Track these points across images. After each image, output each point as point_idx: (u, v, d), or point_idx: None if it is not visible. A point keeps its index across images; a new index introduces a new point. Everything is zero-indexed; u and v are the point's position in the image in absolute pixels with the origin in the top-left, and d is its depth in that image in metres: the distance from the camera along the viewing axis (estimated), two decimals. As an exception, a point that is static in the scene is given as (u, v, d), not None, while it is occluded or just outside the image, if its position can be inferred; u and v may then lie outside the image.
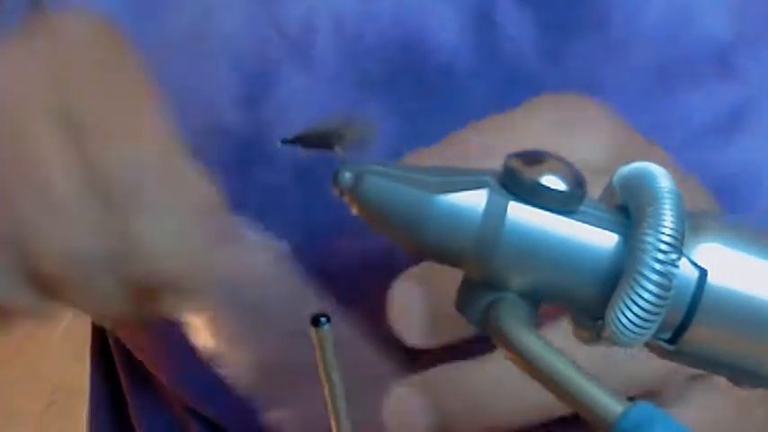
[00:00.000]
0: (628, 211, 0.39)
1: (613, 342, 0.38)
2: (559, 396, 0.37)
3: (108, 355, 0.79)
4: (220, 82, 0.61)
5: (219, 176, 0.61)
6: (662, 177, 0.39)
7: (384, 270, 0.62)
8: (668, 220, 0.37)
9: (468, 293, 0.40)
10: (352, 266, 0.63)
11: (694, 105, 0.60)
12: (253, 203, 0.62)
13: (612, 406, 0.36)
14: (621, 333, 0.38)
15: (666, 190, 0.38)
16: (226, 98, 0.61)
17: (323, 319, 0.45)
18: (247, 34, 0.60)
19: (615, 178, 0.40)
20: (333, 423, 0.47)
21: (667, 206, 0.38)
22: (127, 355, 0.74)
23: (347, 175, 0.39)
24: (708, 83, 0.60)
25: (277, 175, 0.61)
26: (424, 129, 0.60)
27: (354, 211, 0.40)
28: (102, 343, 0.80)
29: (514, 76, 0.59)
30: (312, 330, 0.45)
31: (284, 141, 0.40)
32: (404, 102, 0.60)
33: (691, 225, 0.39)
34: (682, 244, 0.38)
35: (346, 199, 0.40)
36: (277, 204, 0.62)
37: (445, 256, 0.40)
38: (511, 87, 0.59)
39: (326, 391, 0.47)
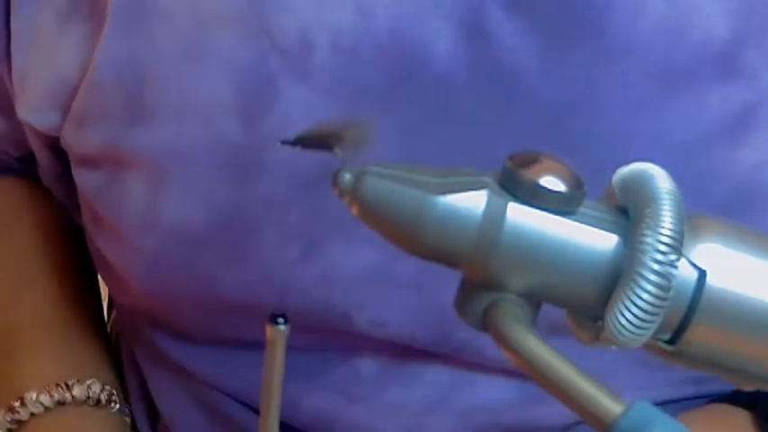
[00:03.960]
0: (627, 212, 0.39)
1: (613, 342, 0.38)
2: (559, 396, 0.37)
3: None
4: (218, 95, 0.61)
5: (219, 188, 0.62)
6: (661, 178, 0.39)
7: (384, 278, 0.62)
8: (667, 221, 0.37)
9: (468, 294, 0.40)
10: (351, 276, 0.63)
11: (698, 110, 0.60)
12: (252, 215, 0.62)
13: (612, 406, 0.36)
14: (621, 333, 0.38)
15: (665, 191, 0.38)
16: (224, 111, 0.61)
17: (280, 319, 0.45)
18: (243, 48, 0.60)
19: (615, 179, 0.40)
20: (261, 421, 0.47)
21: (666, 207, 0.38)
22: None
23: (347, 176, 0.39)
24: (711, 86, 0.59)
25: (276, 187, 0.61)
26: (422, 140, 0.60)
27: (354, 211, 0.40)
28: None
29: (512, 86, 0.59)
30: (267, 328, 0.45)
31: (284, 142, 0.40)
32: (401, 114, 0.60)
33: (690, 226, 0.39)
34: (681, 245, 0.38)
35: (346, 200, 0.40)
36: (276, 216, 0.62)
37: (445, 256, 0.40)
38: (509, 98, 0.59)
39: (264, 389, 0.46)
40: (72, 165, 0.68)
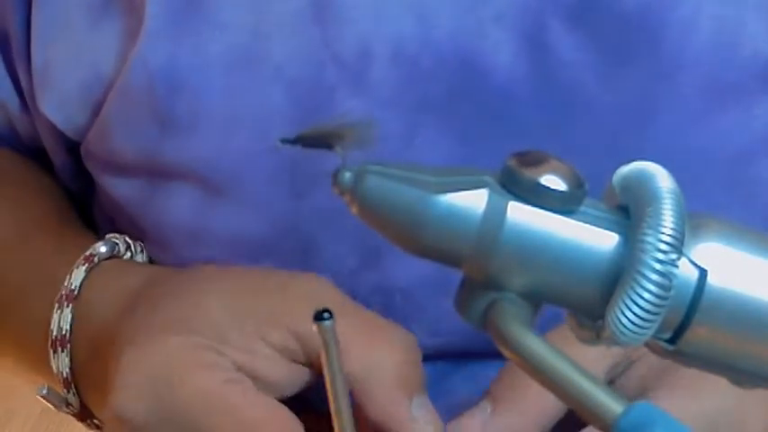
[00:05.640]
0: (628, 211, 0.39)
1: (613, 342, 0.38)
2: (559, 396, 0.37)
3: None
4: (273, 105, 0.61)
5: (275, 200, 0.61)
6: (662, 177, 0.39)
7: (439, 286, 0.62)
8: (668, 220, 0.37)
9: (469, 293, 0.40)
10: (408, 284, 0.63)
11: (746, 121, 0.62)
12: (309, 226, 0.62)
13: (612, 406, 0.36)
14: (621, 333, 0.38)
15: (666, 190, 0.38)
16: (278, 121, 0.61)
17: (326, 315, 0.45)
18: (300, 59, 0.60)
19: (615, 178, 0.40)
20: (334, 417, 0.47)
21: (667, 206, 0.38)
22: None
23: (347, 175, 0.39)
24: (758, 98, 0.61)
25: (334, 197, 0.61)
26: (481, 152, 0.60)
27: (354, 211, 0.40)
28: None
29: (571, 99, 0.60)
30: (315, 326, 0.45)
31: (284, 141, 0.40)
32: (461, 125, 0.60)
33: (691, 225, 0.39)
34: (682, 244, 0.38)
35: (346, 199, 0.40)
36: (334, 226, 0.62)
37: (445, 256, 0.40)
38: (567, 111, 0.60)
39: (328, 385, 0.47)
40: (96, 171, 0.67)
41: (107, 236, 0.66)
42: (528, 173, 0.39)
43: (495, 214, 0.39)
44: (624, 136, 0.61)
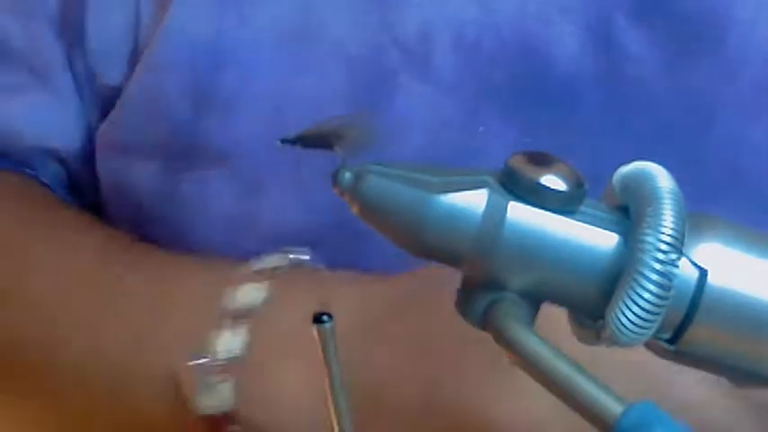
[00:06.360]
0: (628, 211, 0.39)
1: (613, 342, 0.38)
2: (560, 396, 0.37)
3: None
4: (329, 84, 0.60)
5: (327, 187, 0.59)
6: (662, 177, 0.39)
7: None
8: (668, 220, 0.37)
9: (469, 293, 0.40)
10: None
11: None
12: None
13: (612, 406, 0.36)
14: (621, 333, 0.38)
15: (666, 190, 0.38)
16: (335, 102, 0.60)
17: (325, 317, 0.45)
18: (357, 38, 0.60)
19: (615, 178, 0.40)
20: (333, 418, 0.47)
21: (667, 206, 0.38)
22: None
23: (347, 175, 0.39)
24: None
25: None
26: (542, 141, 0.60)
27: (354, 210, 0.40)
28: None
29: (634, 93, 0.60)
30: (314, 328, 0.45)
31: (284, 141, 0.40)
32: (524, 114, 0.60)
33: (691, 225, 0.39)
34: (682, 244, 0.38)
35: (346, 199, 0.40)
36: None
37: (445, 256, 0.40)
38: (630, 104, 0.60)
39: (327, 387, 0.47)
40: (116, 162, 0.64)
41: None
42: (528, 173, 0.39)
43: (495, 214, 0.39)
44: (685, 132, 0.61)
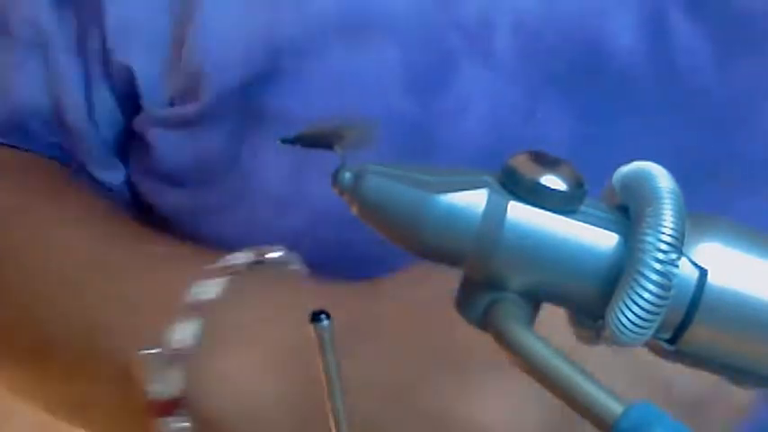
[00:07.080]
0: (628, 210, 0.39)
1: (613, 342, 0.38)
2: (559, 396, 0.37)
3: None
4: (386, 65, 0.60)
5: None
6: (662, 177, 0.39)
7: None
8: (668, 220, 0.37)
9: (469, 293, 0.40)
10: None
11: None
12: None
13: (612, 406, 0.36)
14: (621, 333, 0.38)
15: (667, 190, 0.38)
16: (393, 83, 0.60)
17: (322, 316, 0.45)
18: (416, 19, 0.60)
19: (615, 178, 0.40)
20: (331, 420, 0.47)
21: (667, 206, 0.38)
22: None
23: (347, 175, 0.39)
24: None
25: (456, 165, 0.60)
26: (599, 131, 0.60)
27: (354, 210, 0.40)
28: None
29: (689, 86, 0.61)
30: (312, 328, 0.45)
31: (284, 140, 0.40)
32: (582, 103, 0.61)
33: (691, 225, 0.39)
34: (682, 244, 0.38)
35: (346, 199, 0.40)
36: None
37: (445, 256, 0.40)
38: (685, 97, 0.61)
39: (325, 388, 0.47)
40: (154, 124, 0.64)
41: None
42: (528, 173, 0.39)
43: (495, 214, 0.39)
44: (733, 124, 0.62)
